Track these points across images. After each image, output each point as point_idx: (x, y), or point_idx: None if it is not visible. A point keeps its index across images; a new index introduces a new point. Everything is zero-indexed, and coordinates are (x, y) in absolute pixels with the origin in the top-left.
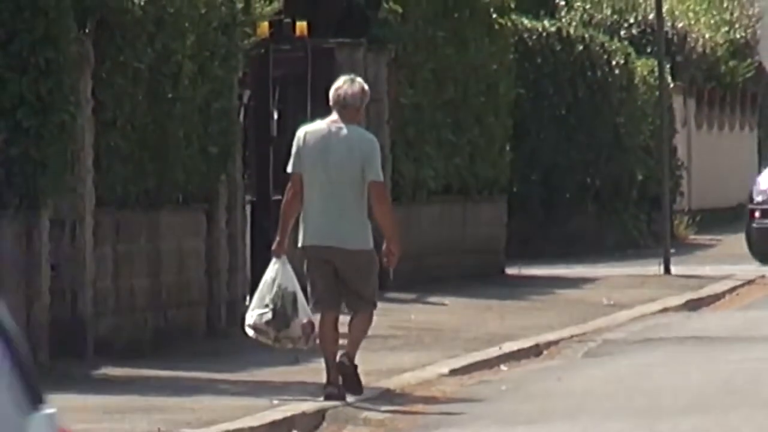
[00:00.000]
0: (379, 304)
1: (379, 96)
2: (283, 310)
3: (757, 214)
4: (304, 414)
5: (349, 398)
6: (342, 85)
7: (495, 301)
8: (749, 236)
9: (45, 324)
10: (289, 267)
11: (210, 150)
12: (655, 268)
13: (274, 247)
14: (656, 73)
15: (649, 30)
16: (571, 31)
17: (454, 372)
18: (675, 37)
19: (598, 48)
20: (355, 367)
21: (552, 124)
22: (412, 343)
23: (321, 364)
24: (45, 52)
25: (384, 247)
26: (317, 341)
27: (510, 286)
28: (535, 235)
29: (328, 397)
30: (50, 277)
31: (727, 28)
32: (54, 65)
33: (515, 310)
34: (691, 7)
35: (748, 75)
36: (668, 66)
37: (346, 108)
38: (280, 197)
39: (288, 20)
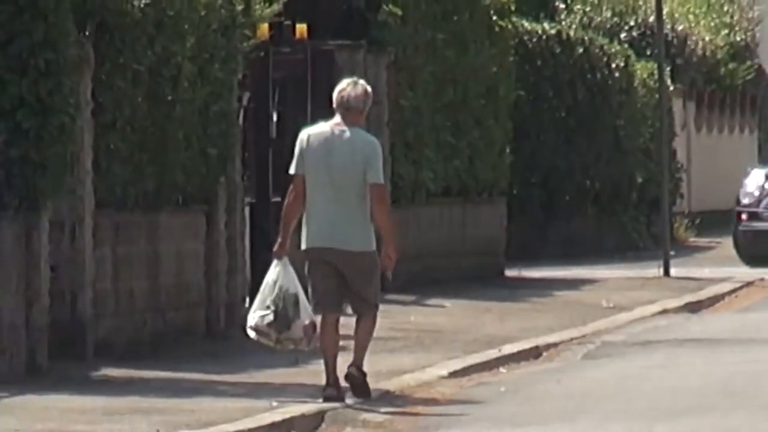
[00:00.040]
0: (379, 306)
1: (379, 98)
2: (284, 312)
3: (743, 216)
4: (303, 416)
5: (349, 400)
6: (345, 87)
7: (494, 303)
8: (736, 239)
9: (44, 325)
10: (290, 268)
11: (209, 152)
12: (654, 270)
13: (275, 248)
14: (656, 76)
15: (649, 33)
16: (571, 33)
17: (453, 374)
18: (675, 40)
19: (597, 51)
20: (364, 375)
21: (552, 127)
22: (411, 344)
23: (320, 365)
24: (45, 54)
25: (383, 250)
26: (318, 343)
27: (509, 288)
28: (534, 237)
29: (327, 399)
30: (50, 278)
31: (726, 31)
32: (54, 67)
33: (515, 312)
34: (691, 9)
35: (748, 78)
36: (668, 69)
37: (350, 110)
38: (279, 199)
39: (288, 22)
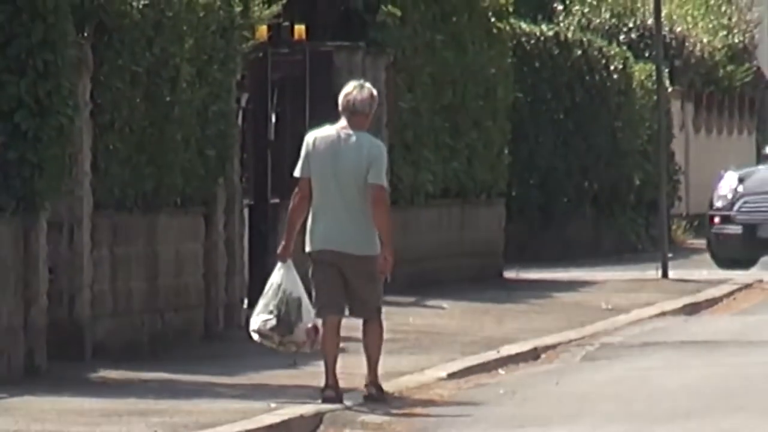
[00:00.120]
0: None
1: (378, 100)
2: (287, 317)
3: (716, 220)
4: (301, 417)
5: (347, 401)
6: (351, 91)
7: (493, 305)
8: (710, 242)
9: (42, 327)
10: (294, 271)
11: (208, 153)
12: (652, 272)
13: (279, 251)
14: (654, 78)
15: (647, 34)
16: (569, 35)
17: (452, 375)
18: (673, 42)
19: (596, 52)
20: (383, 391)
21: (550, 128)
22: (410, 346)
23: (318, 367)
24: (43, 55)
25: (381, 252)
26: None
27: (508, 289)
28: (533, 238)
29: (326, 400)
30: (48, 279)
31: (725, 33)
32: (52, 68)
33: (513, 313)
34: (690, 11)
35: (746, 79)
36: (666, 70)
37: (356, 114)
38: (277, 200)
39: (286, 24)
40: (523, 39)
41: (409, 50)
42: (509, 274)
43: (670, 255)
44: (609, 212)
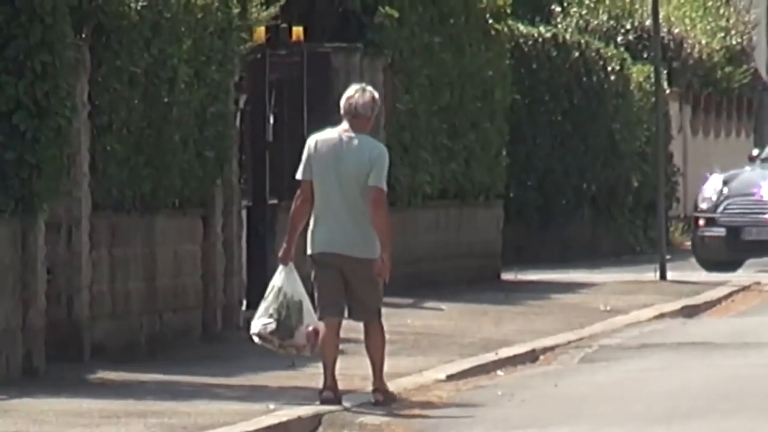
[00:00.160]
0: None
1: (379, 103)
2: (287, 321)
3: (701, 222)
4: (300, 418)
5: (346, 403)
6: (353, 94)
7: (491, 307)
8: (694, 244)
9: (41, 328)
10: (295, 274)
11: (206, 154)
12: (650, 274)
13: (281, 254)
14: (652, 79)
15: (645, 36)
16: (567, 37)
17: (450, 377)
18: (671, 43)
19: (594, 54)
20: (389, 394)
21: (548, 130)
22: (408, 348)
23: (317, 369)
24: (41, 57)
25: (379, 255)
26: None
27: (506, 291)
28: (530, 240)
29: (324, 402)
30: (46, 280)
31: (723, 35)
32: (50, 69)
33: (511, 315)
34: (688, 13)
35: (744, 81)
36: (664, 72)
37: (357, 117)
38: (276, 201)
39: (284, 25)
40: (521, 41)
41: (407, 52)
42: (507, 275)
43: (668, 257)
44: (607, 214)
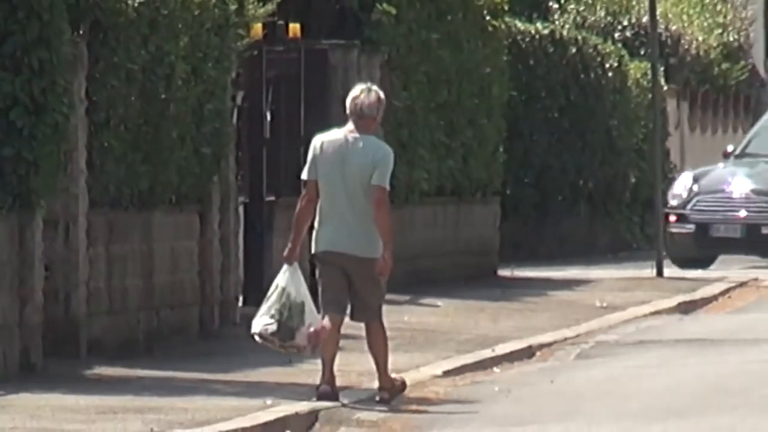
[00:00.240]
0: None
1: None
2: (288, 323)
3: (671, 218)
4: (297, 414)
5: (343, 399)
6: (359, 94)
7: (488, 303)
8: (665, 241)
9: (38, 324)
10: (299, 274)
11: (203, 151)
12: (647, 270)
13: (285, 254)
14: (649, 76)
15: (642, 32)
16: (565, 33)
17: (447, 373)
18: (668, 40)
19: (591, 50)
20: (396, 386)
21: (545, 127)
22: (405, 344)
23: (314, 365)
24: (39, 53)
25: (380, 254)
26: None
27: (503, 287)
28: (528, 236)
29: (321, 397)
30: (43, 277)
31: (720, 31)
32: (47, 66)
33: (508, 311)
34: (685, 9)
35: (742, 78)
36: (662, 68)
37: (363, 118)
38: (273, 198)
39: (281, 22)
40: (519, 37)
41: (404, 48)
42: (504, 272)
43: (664, 253)
44: (604, 210)
